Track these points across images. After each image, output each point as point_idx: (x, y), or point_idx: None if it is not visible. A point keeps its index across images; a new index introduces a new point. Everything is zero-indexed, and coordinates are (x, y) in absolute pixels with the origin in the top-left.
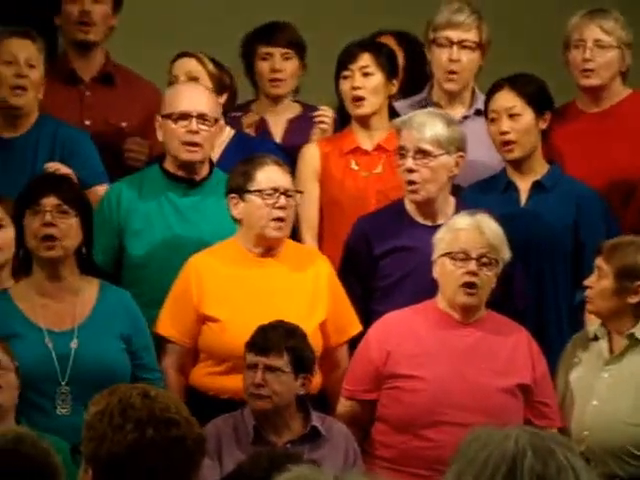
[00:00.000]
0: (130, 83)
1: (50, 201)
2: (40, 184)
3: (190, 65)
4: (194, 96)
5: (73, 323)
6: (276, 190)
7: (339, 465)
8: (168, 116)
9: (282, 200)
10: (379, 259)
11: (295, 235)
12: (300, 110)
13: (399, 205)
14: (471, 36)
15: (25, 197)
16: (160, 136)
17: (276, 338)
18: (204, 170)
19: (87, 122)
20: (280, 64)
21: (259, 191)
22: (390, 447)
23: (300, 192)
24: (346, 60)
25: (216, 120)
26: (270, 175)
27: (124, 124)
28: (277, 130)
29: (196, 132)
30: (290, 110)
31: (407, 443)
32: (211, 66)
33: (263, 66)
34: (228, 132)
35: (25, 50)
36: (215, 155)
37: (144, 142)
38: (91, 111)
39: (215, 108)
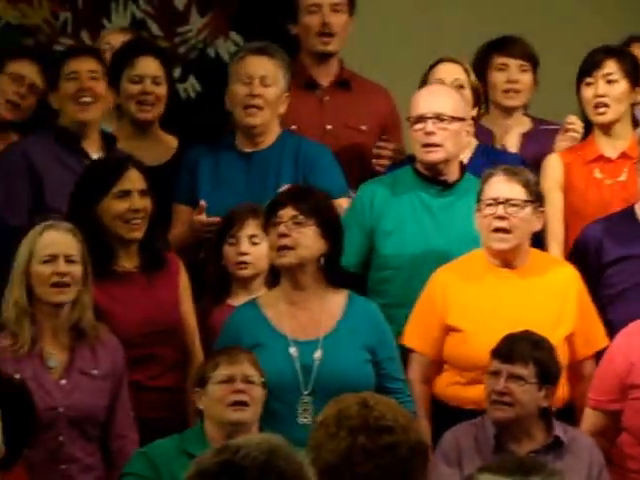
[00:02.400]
0: (364, 87)
1: (287, 212)
2: (279, 196)
3: (457, 72)
4: (430, 97)
5: (318, 333)
6: (495, 200)
7: (582, 477)
8: (408, 120)
9: (500, 210)
10: (607, 267)
11: (540, 245)
12: (531, 124)
13: (629, 212)
14: None
15: (267, 210)
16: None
17: (523, 348)
18: (453, 170)
19: (328, 126)
20: (516, 75)
21: (481, 201)
22: (636, 459)
23: (529, 202)
24: (590, 67)
25: (454, 118)
26: (494, 185)
27: (363, 127)
28: (509, 143)
29: (433, 133)
30: (521, 124)
31: None
32: (473, 76)
33: (498, 77)
34: (472, 143)
35: (261, 68)
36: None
37: (395, 144)
38: (331, 115)
39: (455, 106)
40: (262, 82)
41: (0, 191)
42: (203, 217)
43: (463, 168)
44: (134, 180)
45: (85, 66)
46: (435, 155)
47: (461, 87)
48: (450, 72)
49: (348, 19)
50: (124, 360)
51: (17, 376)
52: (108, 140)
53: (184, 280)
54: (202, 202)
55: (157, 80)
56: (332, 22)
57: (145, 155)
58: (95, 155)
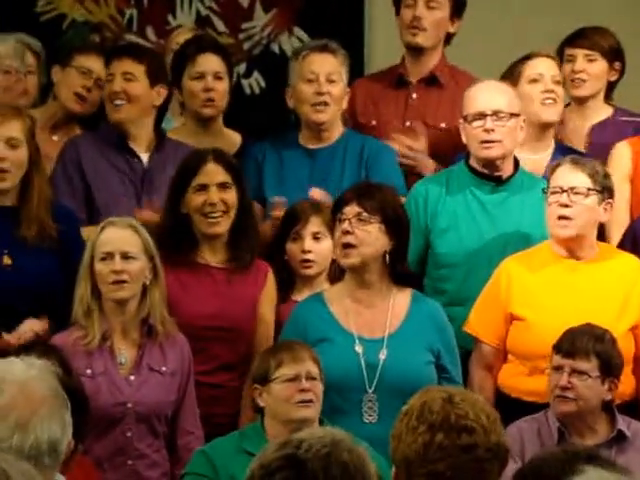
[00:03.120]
0: (459, 84)
1: (351, 209)
2: (344, 193)
3: (554, 67)
4: (488, 95)
5: (383, 332)
6: (560, 188)
7: None
8: (465, 118)
9: (564, 198)
10: None
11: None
12: (611, 112)
13: None
14: None
15: (333, 207)
16: (464, 137)
17: (584, 342)
18: (508, 167)
19: (407, 123)
20: (582, 65)
21: (548, 190)
22: None
23: (594, 191)
24: None
25: (511, 114)
26: (559, 174)
27: (443, 125)
28: (577, 136)
29: (492, 130)
30: (599, 112)
31: None
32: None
33: (566, 68)
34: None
35: (326, 66)
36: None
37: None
38: (413, 113)
39: (512, 102)
40: (328, 79)
41: (63, 186)
42: (281, 213)
43: (517, 164)
44: (212, 173)
45: (120, 68)
46: (494, 151)
47: (557, 83)
48: (548, 67)
49: (444, 18)
50: (191, 357)
51: (88, 371)
52: (161, 137)
53: (270, 287)
54: (283, 199)
55: (218, 76)
56: (423, 16)
57: None
58: (144, 153)
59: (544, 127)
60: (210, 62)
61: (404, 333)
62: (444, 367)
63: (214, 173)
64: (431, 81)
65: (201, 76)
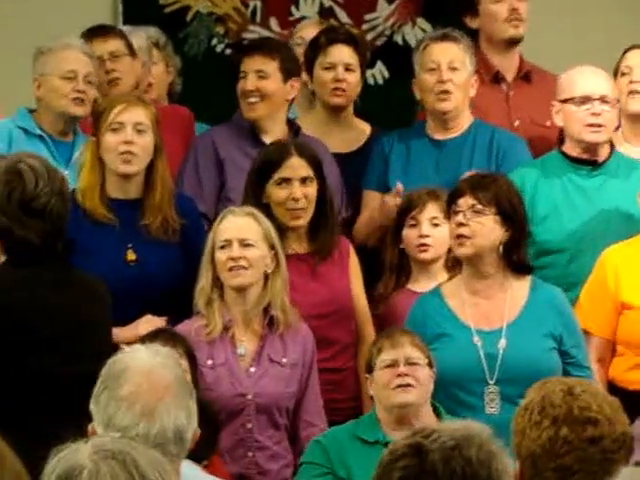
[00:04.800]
0: (544, 80)
1: (466, 201)
2: (459, 185)
3: None
4: (594, 79)
5: (502, 322)
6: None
7: None
8: (568, 100)
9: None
10: None
11: None
12: None
13: None
14: None
15: (448, 199)
16: (559, 121)
17: None
18: (605, 151)
19: (516, 123)
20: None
21: None
22: None
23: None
24: None
25: (615, 100)
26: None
27: (548, 123)
28: None
29: (599, 114)
30: None
31: None
32: None
33: None
34: None
35: (447, 54)
36: None
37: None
38: (518, 111)
39: (613, 89)
40: (449, 67)
41: (192, 177)
42: (398, 200)
43: (612, 147)
44: (295, 168)
45: (253, 65)
46: (600, 136)
47: None
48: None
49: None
50: (314, 348)
51: (209, 362)
52: (294, 128)
53: (354, 263)
54: (399, 185)
55: (350, 67)
56: (520, 8)
57: (338, 142)
58: None
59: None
60: (341, 53)
61: (523, 322)
62: (567, 352)
63: (297, 167)
64: (523, 77)
65: (332, 67)
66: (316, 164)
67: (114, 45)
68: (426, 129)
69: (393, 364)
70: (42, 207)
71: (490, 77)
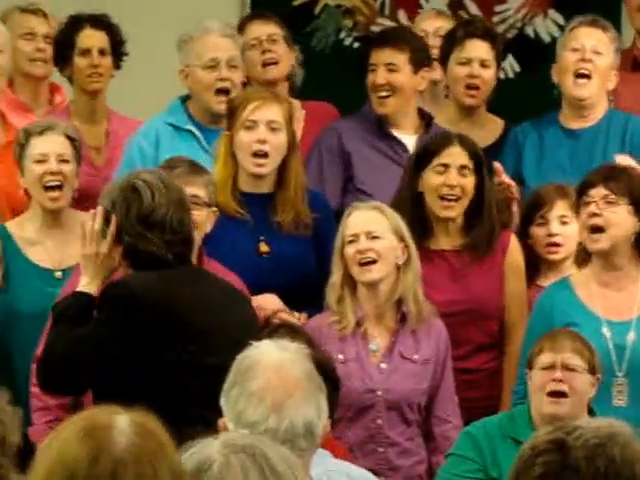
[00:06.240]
0: None
1: (598, 192)
2: (590, 175)
3: None
4: None
5: (631, 314)
6: None
7: None
8: None
9: None
10: None
11: None
12: None
13: None
14: None
15: (578, 190)
16: None
17: None
18: None
19: None
20: None
21: None
22: None
23: None
24: None
25: None
26: None
27: None
28: None
29: None
30: None
31: None
32: None
33: None
34: None
35: (592, 39)
36: None
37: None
38: None
39: None
40: (593, 51)
41: (315, 170)
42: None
43: None
44: (455, 155)
45: (382, 58)
46: None
47: None
48: None
49: None
50: (448, 344)
51: (340, 356)
52: (427, 118)
53: (512, 257)
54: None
55: (486, 64)
56: None
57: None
58: (409, 138)
59: None
60: (478, 49)
61: None
62: None
63: (457, 155)
64: None
65: (467, 62)
66: (477, 158)
67: (274, 29)
68: (560, 118)
69: (550, 367)
70: (161, 218)
71: (631, 64)
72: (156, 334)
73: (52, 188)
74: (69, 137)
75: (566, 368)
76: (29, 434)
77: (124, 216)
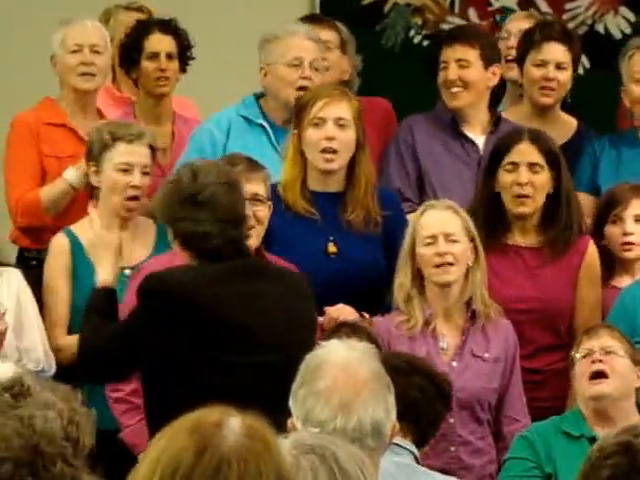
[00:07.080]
0: None
1: None
2: None
3: None
4: None
5: None
6: None
7: None
8: None
9: None
10: None
11: None
12: None
13: None
14: None
15: None
16: None
17: None
18: None
19: None
20: None
21: None
22: None
23: None
24: None
25: None
26: None
27: None
28: None
29: None
30: None
31: None
32: None
33: None
34: None
35: None
36: None
37: None
38: None
39: None
40: None
41: (397, 167)
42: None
43: None
44: (524, 152)
45: (453, 54)
46: None
47: None
48: None
49: None
50: (517, 343)
51: None
52: (496, 116)
53: (589, 264)
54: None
55: (562, 66)
56: None
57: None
58: (479, 136)
59: None
60: (555, 52)
61: None
62: None
63: (526, 152)
64: None
65: (543, 64)
66: (550, 154)
67: (327, 35)
68: (638, 137)
69: (589, 353)
70: (208, 198)
71: None
72: (186, 331)
73: (131, 199)
74: (152, 147)
75: (605, 351)
76: (124, 439)
77: (175, 203)
